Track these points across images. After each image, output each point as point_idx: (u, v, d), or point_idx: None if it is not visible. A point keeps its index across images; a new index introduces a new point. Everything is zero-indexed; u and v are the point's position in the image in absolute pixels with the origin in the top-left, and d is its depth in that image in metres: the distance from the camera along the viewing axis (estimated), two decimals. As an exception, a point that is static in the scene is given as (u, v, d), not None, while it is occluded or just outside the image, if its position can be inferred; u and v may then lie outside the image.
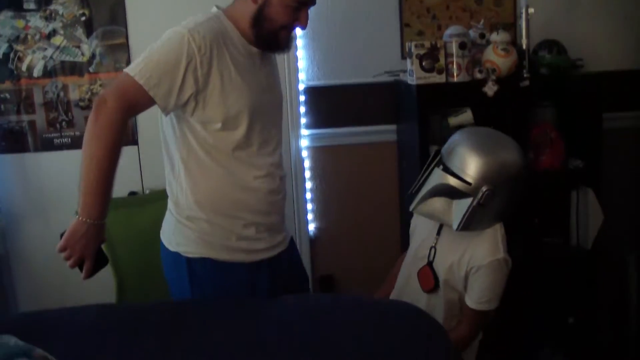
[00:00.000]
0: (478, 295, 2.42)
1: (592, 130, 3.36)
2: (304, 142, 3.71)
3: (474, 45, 3.25)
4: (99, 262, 2.19)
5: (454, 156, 2.37)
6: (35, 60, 3.57)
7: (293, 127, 3.66)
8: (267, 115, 2.39)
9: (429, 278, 2.50)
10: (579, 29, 3.70)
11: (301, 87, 3.66)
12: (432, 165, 2.46)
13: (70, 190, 3.58)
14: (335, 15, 3.54)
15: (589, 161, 3.37)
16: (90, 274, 2.19)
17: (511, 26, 3.62)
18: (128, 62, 3.57)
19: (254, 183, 2.34)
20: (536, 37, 3.42)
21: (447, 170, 2.37)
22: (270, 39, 2.32)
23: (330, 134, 3.69)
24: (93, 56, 3.59)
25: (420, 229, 2.65)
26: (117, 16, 3.56)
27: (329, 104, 3.63)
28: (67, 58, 3.59)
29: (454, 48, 3.14)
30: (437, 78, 3.16)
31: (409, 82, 3.25)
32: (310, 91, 3.67)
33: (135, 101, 2.13)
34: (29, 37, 3.55)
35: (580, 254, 3.46)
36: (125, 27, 3.58)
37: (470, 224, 2.38)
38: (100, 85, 3.59)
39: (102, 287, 3.46)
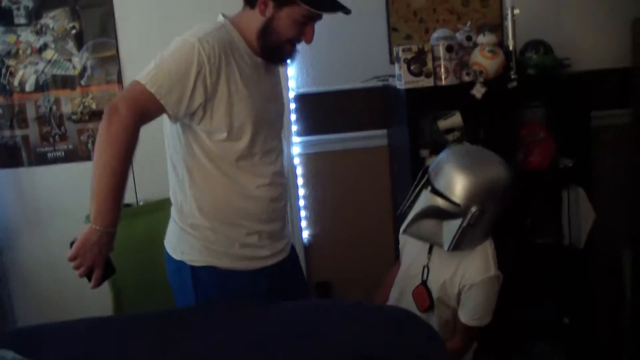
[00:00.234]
0: (471, 312, 2.46)
1: (580, 129, 3.38)
2: (296, 150, 3.73)
3: (461, 47, 3.26)
4: (106, 271, 2.20)
5: (441, 177, 2.40)
6: (27, 74, 3.60)
7: (284, 134, 3.66)
8: (270, 125, 2.42)
9: (424, 298, 2.53)
10: (565, 29, 3.72)
11: (291, 94, 3.67)
12: (420, 185, 2.49)
13: (65, 204, 3.66)
14: (323, 22, 3.54)
15: (578, 160, 3.39)
16: (99, 282, 2.19)
17: (498, 27, 3.64)
18: (119, 74, 3.60)
19: (257, 191, 2.37)
20: (523, 37, 3.43)
21: (436, 192, 2.40)
22: (276, 51, 2.35)
23: (321, 141, 3.71)
24: (84, 69, 3.61)
25: (411, 246, 2.68)
26: (107, 28, 3.58)
27: (319, 110, 3.65)
28: (59, 72, 3.61)
29: (441, 51, 3.16)
30: (426, 82, 3.17)
31: (398, 86, 3.26)
32: (301, 98, 3.69)
33: (147, 109, 2.15)
34: (20, 51, 3.57)
35: (573, 253, 3.47)
36: (116, 39, 3.60)
37: (461, 244, 2.42)
38: (92, 98, 3.62)
39: (99, 300, 3.48)
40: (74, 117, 3.64)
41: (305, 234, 3.81)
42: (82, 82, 3.62)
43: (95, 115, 3.64)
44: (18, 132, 3.63)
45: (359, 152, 3.77)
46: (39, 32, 3.55)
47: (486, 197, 2.36)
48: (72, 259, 2.13)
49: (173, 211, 2.48)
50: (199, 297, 2.40)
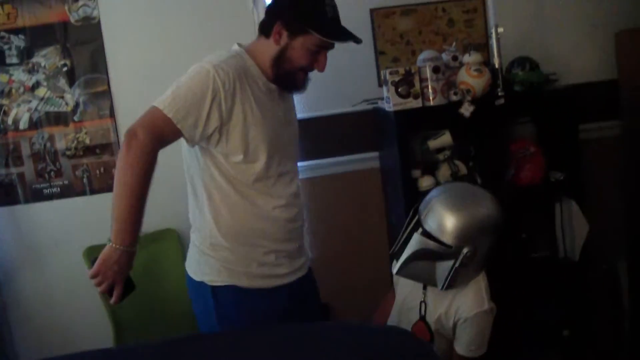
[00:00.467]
0: (467, 344, 2.50)
1: (570, 142, 3.41)
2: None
3: (448, 68, 3.30)
4: (126, 288, 2.25)
5: (431, 218, 2.42)
6: (20, 112, 3.63)
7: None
8: (284, 149, 2.48)
9: (425, 333, 2.56)
10: (550, 44, 3.77)
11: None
12: (412, 224, 2.52)
13: (63, 239, 3.68)
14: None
15: (569, 173, 3.41)
16: (120, 299, 2.25)
17: (484, 46, 3.70)
18: (111, 109, 3.64)
19: (273, 212, 2.43)
20: (509, 55, 3.47)
21: (427, 235, 2.42)
22: (289, 78, 2.43)
23: (314, 166, 3.73)
24: (77, 105, 3.65)
25: (404, 280, 2.69)
26: (97, 64, 3.62)
27: (311, 136, 3.64)
28: (52, 109, 3.64)
29: (428, 72, 3.19)
30: (414, 103, 3.20)
31: (387, 108, 3.29)
32: (292, 125, 3.70)
33: (164, 133, 2.22)
34: (13, 90, 3.61)
35: (568, 265, 3.49)
36: (107, 75, 3.64)
37: (454, 283, 2.45)
38: (86, 133, 3.65)
39: (99, 333, 3.51)
40: (68, 152, 3.67)
41: (302, 258, 3.79)
42: (75, 118, 3.65)
43: (89, 150, 3.67)
44: (13, 170, 3.65)
45: (351, 175, 3.80)
46: (31, 71, 3.59)
47: (478, 236, 2.39)
48: (94, 276, 2.19)
49: (192, 235, 2.54)
50: (220, 317, 2.45)
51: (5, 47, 3.58)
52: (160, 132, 2.21)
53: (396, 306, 2.74)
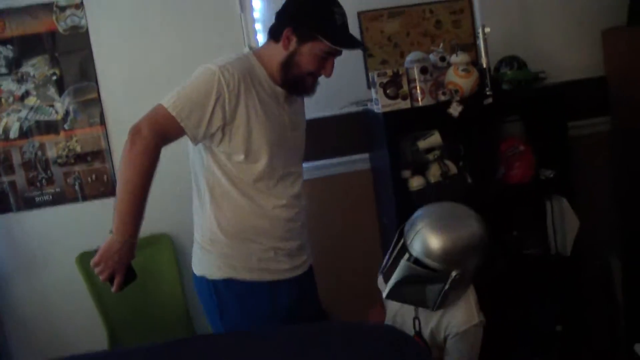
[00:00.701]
0: (458, 358, 2.51)
1: (559, 140, 3.43)
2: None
3: (436, 68, 3.32)
4: (128, 277, 2.34)
5: (417, 243, 2.42)
6: (10, 122, 3.63)
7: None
8: (288, 152, 2.56)
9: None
10: (538, 43, 3.79)
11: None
12: (398, 247, 2.53)
13: (55, 246, 3.68)
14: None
15: (559, 170, 3.43)
16: (120, 288, 2.33)
17: (472, 46, 3.70)
18: (102, 116, 3.65)
19: (273, 212, 2.51)
20: (497, 54, 3.49)
21: (414, 260, 2.43)
22: (297, 83, 2.51)
23: (305, 168, 3.69)
24: (67, 113, 3.65)
25: None
26: (87, 72, 3.63)
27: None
28: (42, 117, 3.65)
29: (415, 73, 3.20)
30: (402, 104, 3.21)
31: (376, 110, 3.31)
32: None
33: (168, 131, 2.31)
34: (3, 100, 3.61)
35: (560, 262, 3.50)
36: (96, 83, 3.64)
37: (444, 303, 2.47)
38: (76, 141, 3.65)
39: (94, 338, 3.52)
40: (59, 160, 3.67)
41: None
42: (66, 127, 3.66)
43: (80, 158, 3.68)
44: (5, 179, 3.66)
45: (343, 177, 3.81)
46: (20, 80, 3.60)
47: (465, 258, 2.40)
48: (96, 265, 2.27)
49: (195, 233, 2.61)
50: (222, 311, 2.54)
51: (-6, 57, 3.59)
52: (163, 130, 2.29)
53: (388, 319, 2.75)
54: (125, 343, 3.51)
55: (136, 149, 2.25)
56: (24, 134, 3.65)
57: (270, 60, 2.47)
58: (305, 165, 3.67)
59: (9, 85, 3.60)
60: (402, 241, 2.52)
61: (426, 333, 2.57)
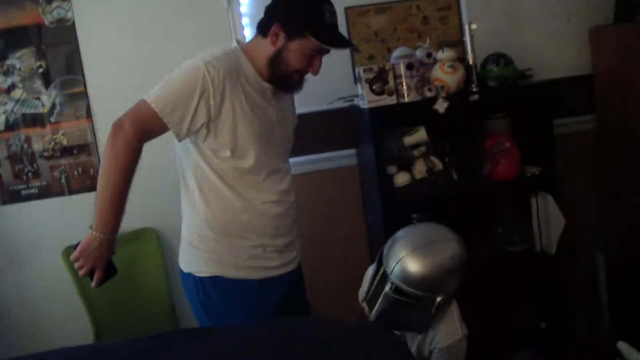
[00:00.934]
0: None
1: (545, 137, 3.44)
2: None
3: (422, 64, 3.32)
4: (108, 272, 2.32)
5: (399, 273, 2.41)
6: (-4, 114, 3.63)
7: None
8: (275, 148, 2.52)
9: None
10: (525, 40, 3.80)
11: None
12: (379, 276, 2.53)
13: (41, 240, 3.68)
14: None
15: (545, 167, 3.44)
16: (100, 283, 2.31)
17: (459, 43, 3.70)
18: (88, 109, 3.64)
19: (262, 207, 2.47)
20: (484, 51, 3.49)
21: (397, 291, 2.43)
22: (284, 80, 2.46)
23: (292, 164, 3.71)
24: (53, 106, 3.64)
25: None
26: (73, 65, 3.62)
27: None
28: (28, 110, 3.64)
29: (402, 69, 3.21)
30: (388, 100, 3.22)
31: (362, 106, 3.32)
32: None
33: (151, 127, 2.28)
34: (-12, 93, 3.61)
35: (545, 259, 3.51)
36: (83, 76, 3.63)
37: (431, 324, 2.48)
38: (63, 134, 3.65)
39: (79, 333, 3.51)
40: (45, 154, 3.66)
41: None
42: (52, 119, 3.65)
43: (67, 151, 3.67)
44: (-10, 172, 3.65)
45: (329, 172, 3.82)
46: (6, 73, 3.59)
47: (448, 282, 2.41)
48: (75, 260, 2.27)
49: (183, 228, 2.58)
50: (208, 309, 2.51)
51: (-20, 50, 3.58)
52: (146, 126, 2.26)
53: None
54: (110, 337, 3.50)
55: (118, 145, 2.23)
56: (10, 126, 3.64)
57: (258, 55, 2.43)
58: (292, 160, 3.70)
59: (-5, 77, 3.60)
60: (382, 269, 2.51)
61: (413, 348, 2.59)
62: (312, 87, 3.59)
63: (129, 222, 3.45)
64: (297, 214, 2.67)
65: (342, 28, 3.64)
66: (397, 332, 2.47)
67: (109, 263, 2.31)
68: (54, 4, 3.57)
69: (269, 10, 2.47)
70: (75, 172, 3.69)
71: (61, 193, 3.71)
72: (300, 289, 2.79)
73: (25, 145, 3.65)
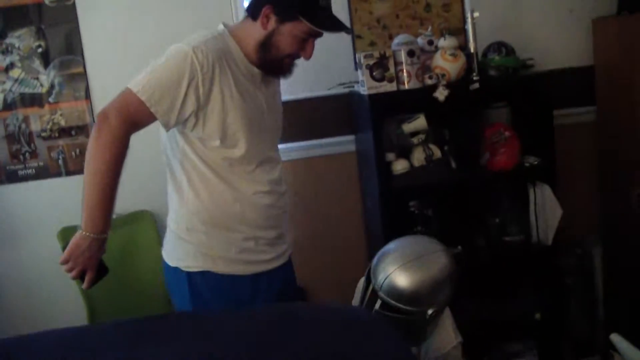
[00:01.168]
0: None
1: (544, 128, 3.43)
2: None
3: (423, 52, 3.31)
4: (99, 272, 2.23)
5: (388, 290, 2.40)
6: (-6, 93, 3.62)
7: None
8: (265, 135, 2.41)
9: None
10: (527, 30, 3.78)
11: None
12: (369, 292, 2.51)
13: (37, 221, 3.67)
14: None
15: (544, 158, 3.44)
16: (92, 284, 2.24)
17: (461, 31, 3.68)
18: (87, 91, 3.63)
19: (254, 197, 2.36)
20: (486, 40, 3.49)
21: (387, 307, 2.42)
22: (274, 65, 2.34)
23: (290, 148, 3.70)
24: (52, 86, 3.62)
25: None
26: (73, 46, 3.60)
27: (287, 119, 3.60)
28: (27, 90, 3.62)
29: (402, 56, 3.20)
30: (389, 87, 3.21)
31: (362, 92, 3.31)
32: (268, 107, 3.70)
33: (137, 117, 2.15)
34: (-13, 71, 3.59)
35: (542, 249, 3.51)
36: (82, 56, 3.61)
37: (426, 337, 2.48)
38: (61, 115, 3.63)
39: (73, 314, 3.51)
40: (43, 134, 3.65)
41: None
42: (50, 100, 3.63)
43: (65, 131, 3.66)
44: (-13, 151, 3.64)
45: (328, 158, 3.81)
46: (5, 52, 3.57)
47: (438, 294, 2.39)
48: (64, 262, 2.16)
49: (169, 218, 2.47)
50: (196, 305, 2.40)
51: (-21, 28, 3.56)
52: (133, 116, 2.14)
53: None
54: (104, 319, 3.50)
55: (104, 137, 2.10)
56: (8, 106, 3.62)
57: (247, 39, 2.30)
58: (291, 145, 3.72)
59: (-6, 56, 3.59)
60: (371, 286, 2.50)
61: None
62: (312, 72, 3.63)
63: (125, 204, 3.46)
64: (287, 205, 2.58)
65: (344, 14, 3.66)
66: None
67: (100, 262, 2.22)
68: (55, -17, 3.55)
69: None
70: (73, 153, 3.68)
71: (58, 174, 3.69)
72: (292, 283, 2.71)
73: (23, 125, 3.64)
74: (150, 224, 3.67)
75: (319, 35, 2.32)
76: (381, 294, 2.42)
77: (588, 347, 3.91)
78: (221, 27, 2.38)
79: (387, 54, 3.19)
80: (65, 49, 3.61)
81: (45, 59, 3.61)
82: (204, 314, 2.35)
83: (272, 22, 2.26)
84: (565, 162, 3.58)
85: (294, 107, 3.67)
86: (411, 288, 2.34)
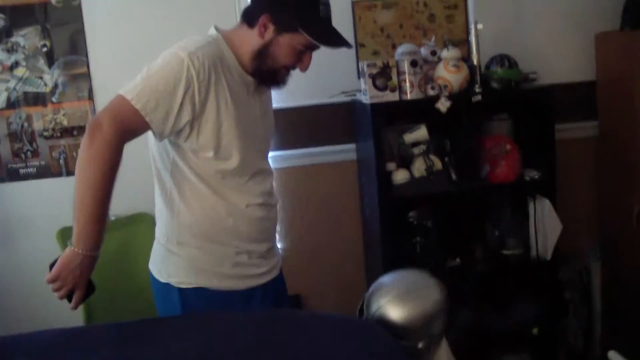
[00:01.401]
0: None
1: (546, 142, 3.43)
2: (266, 164, 3.73)
3: (426, 62, 3.31)
4: (87, 290, 2.11)
5: (380, 322, 2.37)
6: (-2, 91, 3.63)
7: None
8: (257, 145, 2.34)
9: None
10: (530, 43, 3.78)
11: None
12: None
13: (37, 219, 3.68)
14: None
15: (544, 172, 3.43)
16: (79, 304, 2.11)
17: (464, 42, 3.69)
18: (90, 91, 3.64)
19: (247, 210, 2.28)
20: (489, 52, 3.48)
21: None
22: (269, 75, 2.25)
23: (290, 155, 3.73)
24: (56, 86, 3.64)
25: None
26: (77, 46, 3.62)
27: (288, 125, 3.66)
28: (30, 89, 3.63)
29: (405, 66, 3.20)
30: (391, 96, 3.21)
31: (364, 101, 3.30)
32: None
33: (131, 126, 2.04)
34: (-9, 69, 3.61)
35: (540, 264, 3.50)
36: (86, 57, 3.63)
37: None
38: (64, 115, 3.64)
39: (70, 315, 3.49)
40: (45, 133, 3.66)
41: (276, 248, 3.80)
42: (54, 99, 3.64)
43: (67, 131, 3.67)
44: (-11, 149, 3.66)
45: (328, 166, 3.81)
46: (10, 50, 3.58)
47: (429, 328, 2.35)
48: (52, 281, 2.05)
49: (157, 231, 2.37)
50: None
51: (-15, 26, 3.58)
52: (126, 125, 2.02)
53: None
54: (101, 321, 3.50)
55: (96, 147, 1.96)
56: (12, 104, 3.64)
57: (242, 46, 2.20)
58: (291, 152, 3.72)
59: (-1, 54, 3.60)
60: (364, 316, 2.49)
61: None
62: (314, 80, 3.62)
63: (123, 206, 3.46)
64: (277, 218, 2.50)
65: (348, 22, 3.67)
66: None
67: (88, 280, 2.09)
68: (61, -17, 3.57)
69: None
70: (74, 154, 3.68)
71: (59, 174, 3.71)
72: (284, 295, 2.63)
73: (26, 124, 3.65)
74: (150, 227, 3.62)
75: (317, 47, 2.23)
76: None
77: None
78: (214, 31, 2.27)
79: (390, 64, 3.19)
80: (69, 49, 3.62)
81: (50, 59, 3.62)
82: (200, 316, 2.34)
83: (270, 32, 2.17)
84: (566, 177, 3.58)
85: (295, 115, 3.70)
86: (402, 320, 2.31)
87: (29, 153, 3.68)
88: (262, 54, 2.19)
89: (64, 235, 3.47)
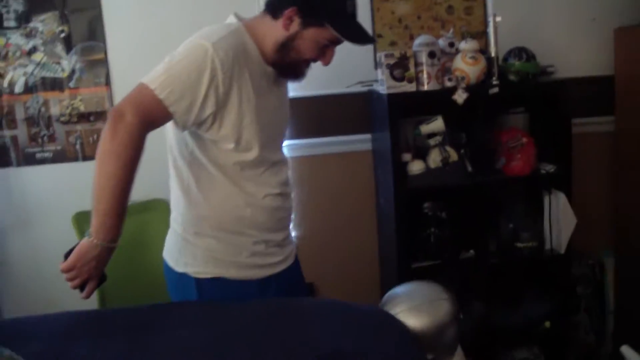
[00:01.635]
0: None
1: (562, 135, 3.41)
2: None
3: (444, 54, 3.31)
4: (99, 280, 2.10)
5: None
6: (16, 76, 3.64)
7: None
8: (276, 136, 2.35)
9: None
10: (548, 36, 3.76)
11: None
12: None
13: (52, 204, 3.71)
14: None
15: (560, 166, 3.42)
16: (91, 293, 2.10)
17: (482, 34, 3.68)
18: (107, 77, 3.65)
19: (265, 200, 2.27)
20: (507, 44, 3.46)
21: None
22: (291, 68, 2.25)
23: (306, 144, 3.74)
24: (73, 72, 3.65)
25: None
26: (95, 32, 3.63)
27: (304, 115, 3.66)
28: (48, 74, 3.65)
29: (423, 57, 3.20)
30: (408, 87, 3.21)
31: (381, 91, 3.30)
32: (287, 103, 3.71)
33: (155, 116, 2.01)
34: (10, 54, 3.61)
35: (554, 258, 3.50)
36: (104, 43, 3.64)
37: None
38: (81, 100, 3.66)
39: (84, 300, 3.52)
40: (62, 118, 3.68)
41: (290, 236, 3.81)
42: (71, 85, 3.66)
43: (84, 117, 3.69)
44: (7, 133, 3.67)
45: (343, 156, 3.81)
46: (28, 35, 3.60)
47: (440, 339, 2.32)
48: (67, 270, 2.02)
49: (173, 220, 2.37)
50: None
51: (4, 10, 3.59)
52: (149, 115, 1.99)
53: None
54: (115, 305, 3.51)
55: (119, 137, 1.92)
56: (29, 89, 3.65)
57: (265, 37, 2.18)
58: (307, 142, 3.73)
59: (17, 39, 3.60)
60: None
61: None
62: (331, 69, 3.56)
63: (139, 192, 3.45)
64: (293, 206, 2.49)
65: (366, 13, 3.65)
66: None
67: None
68: (81, -31, 3.57)
69: None
70: (90, 139, 3.71)
71: (75, 159, 3.73)
72: (300, 281, 2.63)
73: (43, 109, 3.67)
74: (164, 214, 3.60)
75: (341, 42, 2.22)
76: None
77: (595, 358, 3.90)
78: (234, 19, 2.25)
79: (408, 54, 3.19)
80: (87, 34, 3.63)
81: (68, 44, 3.63)
82: (210, 304, 2.34)
83: (295, 25, 2.15)
84: (581, 171, 3.56)
85: (312, 104, 3.70)
86: (414, 331, 2.32)
87: (45, 138, 3.70)
88: (285, 46, 2.17)
89: (80, 219, 3.48)
